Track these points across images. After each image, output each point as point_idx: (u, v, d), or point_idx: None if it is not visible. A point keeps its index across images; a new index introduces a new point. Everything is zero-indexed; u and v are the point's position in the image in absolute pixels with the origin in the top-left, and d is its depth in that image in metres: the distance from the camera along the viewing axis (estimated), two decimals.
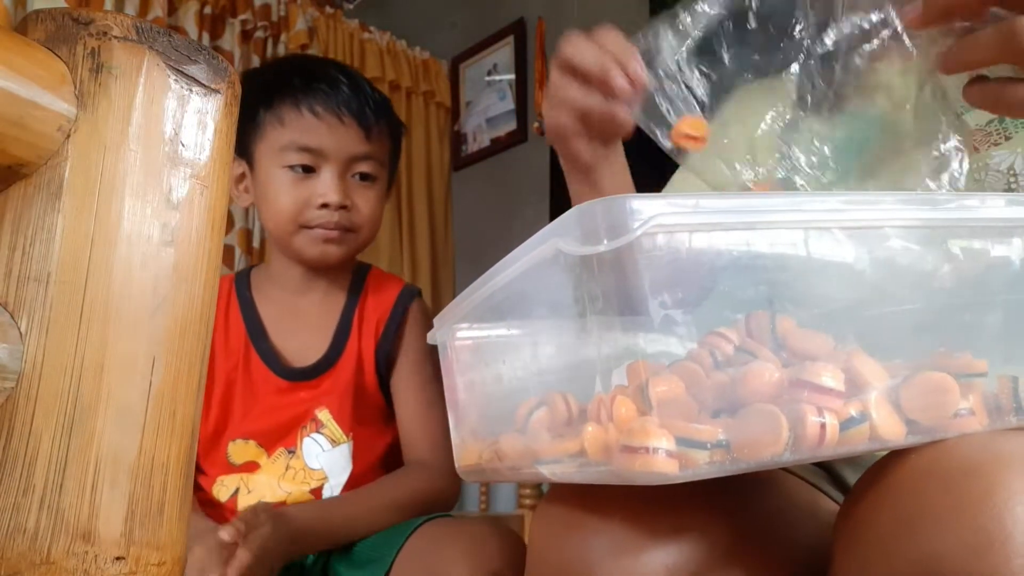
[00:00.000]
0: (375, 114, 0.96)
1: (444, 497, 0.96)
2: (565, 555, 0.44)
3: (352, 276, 1.04)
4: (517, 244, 0.41)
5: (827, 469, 0.61)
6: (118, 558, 0.29)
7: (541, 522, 0.48)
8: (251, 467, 0.95)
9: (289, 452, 0.96)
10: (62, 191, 0.30)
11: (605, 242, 0.34)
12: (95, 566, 0.29)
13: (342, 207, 0.93)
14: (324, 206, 0.92)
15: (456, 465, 0.56)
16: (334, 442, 0.96)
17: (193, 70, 0.33)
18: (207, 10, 2.23)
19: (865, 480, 0.39)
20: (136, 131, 0.31)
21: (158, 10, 2.09)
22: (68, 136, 0.30)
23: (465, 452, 0.54)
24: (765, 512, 0.49)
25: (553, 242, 0.37)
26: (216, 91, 0.34)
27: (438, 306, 2.60)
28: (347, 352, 0.99)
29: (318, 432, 0.96)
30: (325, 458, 0.95)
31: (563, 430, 0.41)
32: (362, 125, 0.95)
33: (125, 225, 0.30)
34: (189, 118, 0.33)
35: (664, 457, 0.33)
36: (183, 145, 0.32)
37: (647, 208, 0.34)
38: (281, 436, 0.96)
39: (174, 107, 0.32)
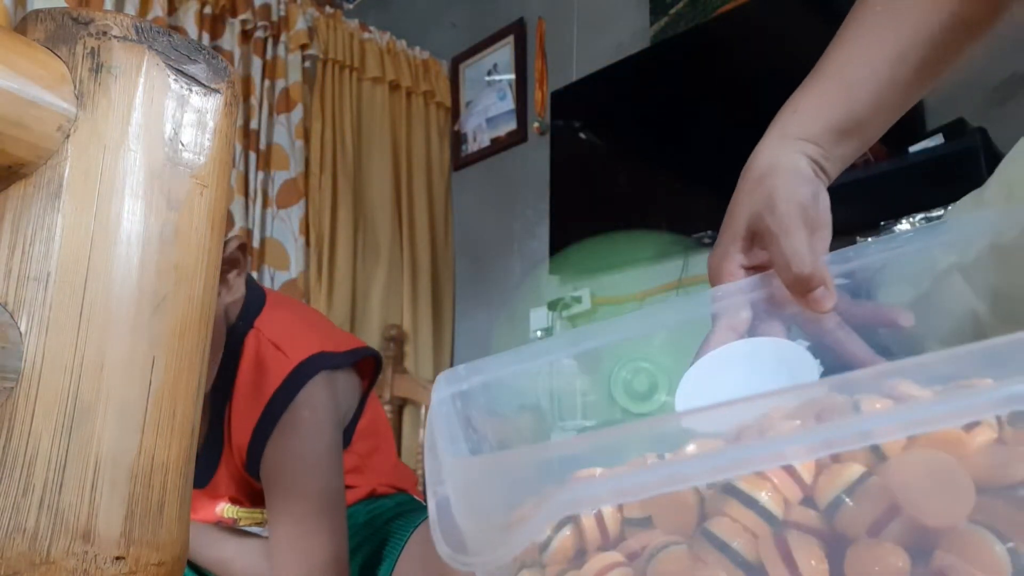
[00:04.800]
0: None
1: None
2: None
3: (224, 356, 0.82)
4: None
5: None
6: (118, 558, 0.29)
7: None
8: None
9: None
10: (62, 191, 0.30)
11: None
12: (95, 566, 0.29)
13: None
14: None
15: None
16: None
17: (193, 70, 0.33)
18: (207, 10, 2.23)
19: None
20: (136, 131, 0.31)
21: (158, 10, 2.09)
22: (68, 136, 0.30)
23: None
24: None
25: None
26: (216, 91, 0.34)
27: (439, 308, 2.59)
28: (221, 466, 0.86)
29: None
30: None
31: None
32: None
33: (125, 225, 0.30)
34: (189, 118, 0.33)
35: None
36: (183, 145, 0.32)
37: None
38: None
39: (174, 107, 0.32)
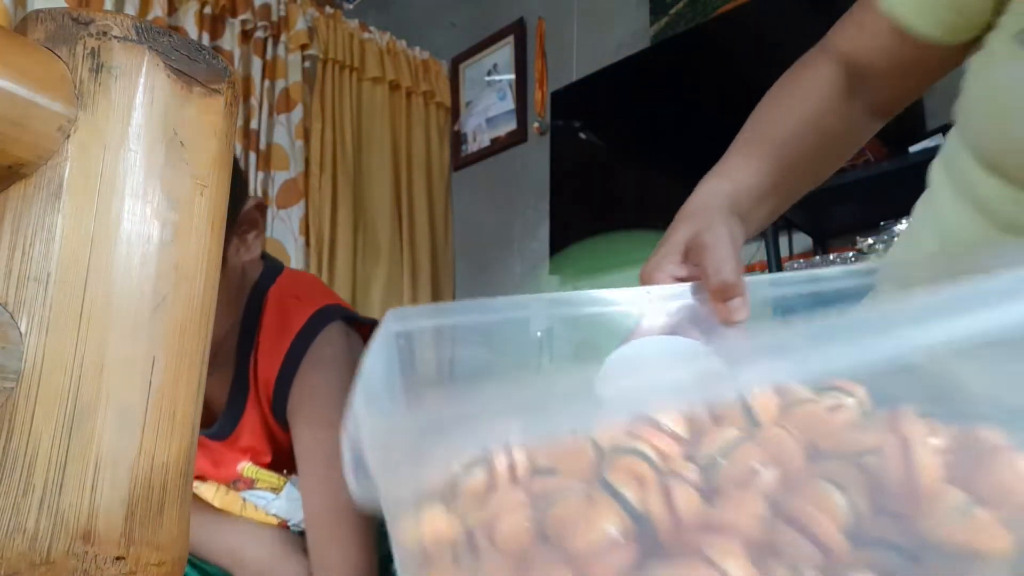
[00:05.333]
0: None
1: None
2: None
3: (245, 310, 0.87)
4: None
5: None
6: (118, 558, 0.29)
7: None
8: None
9: (234, 485, 0.92)
10: (62, 191, 0.30)
11: None
12: (95, 566, 0.29)
13: None
14: None
15: None
16: (274, 489, 0.91)
17: (193, 70, 0.33)
18: (207, 10, 2.23)
19: None
20: (136, 131, 0.31)
21: (158, 10, 2.09)
22: (68, 136, 0.30)
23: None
24: None
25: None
26: (216, 91, 0.34)
27: None
28: (248, 409, 0.88)
29: (252, 489, 0.91)
30: (276, 506, 0.90)
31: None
32: None
33: (125, 225, 0.30)
34: (189, 118, 0.33)
35: None
36: (183, 145, 0.32)
37: None
38: (216, 480, 0.92)
39: (174, 107, 0.32)
